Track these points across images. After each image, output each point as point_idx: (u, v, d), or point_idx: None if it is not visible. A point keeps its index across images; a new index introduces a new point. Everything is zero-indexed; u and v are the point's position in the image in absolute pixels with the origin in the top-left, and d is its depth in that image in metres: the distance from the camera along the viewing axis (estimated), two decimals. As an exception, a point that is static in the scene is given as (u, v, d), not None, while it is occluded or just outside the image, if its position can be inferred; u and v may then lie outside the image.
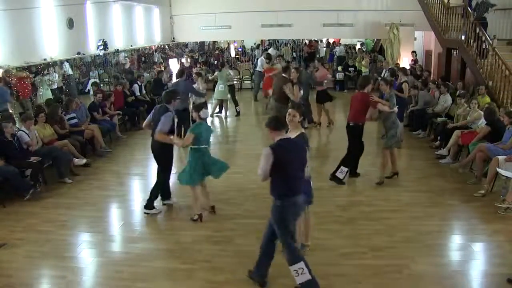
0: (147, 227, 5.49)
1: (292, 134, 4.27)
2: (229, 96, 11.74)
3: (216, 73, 11.57)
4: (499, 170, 5.81)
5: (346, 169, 6.49)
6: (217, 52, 21.08)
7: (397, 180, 6.81)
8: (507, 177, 5.71)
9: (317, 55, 19.41)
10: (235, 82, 16.57)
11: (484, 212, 5.60)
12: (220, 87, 11.34)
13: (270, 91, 11.19)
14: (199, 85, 9.84)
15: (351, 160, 6.64)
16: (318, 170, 7.44)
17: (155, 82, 12.28)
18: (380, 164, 6.71)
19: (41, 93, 9.65)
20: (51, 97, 9.58)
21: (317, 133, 10.03)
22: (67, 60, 11.10)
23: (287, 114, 4.35)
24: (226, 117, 11.73)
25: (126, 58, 13.83)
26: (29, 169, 6.42)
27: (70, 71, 11.12)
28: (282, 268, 4.38)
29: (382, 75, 11.23)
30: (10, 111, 8.17)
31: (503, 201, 5.55)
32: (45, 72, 9.90)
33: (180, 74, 9.34)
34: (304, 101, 9.92)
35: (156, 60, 16.53)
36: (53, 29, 10.28)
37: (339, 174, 6.52)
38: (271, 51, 17.68)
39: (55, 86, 10.19)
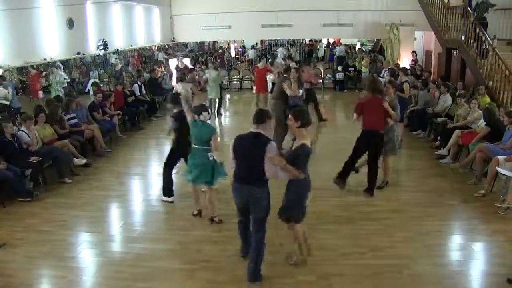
0: (147, 227, 5.48)
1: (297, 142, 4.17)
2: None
3: (218, 73, 11.60)
4: (498, 169, 5.81)
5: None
6: (220, 51, 21.11)
7: (397, 180, 6.80)
8: (507, 176, 5.71)
9: (313, 55, 19.45)
10: (235, 82, 16.75)
11: (484, 212, 5.60)
12: (218, 86, 11.47)
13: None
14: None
15: (376, 171, 6.19)
16: (318, 170, 7.44)
17: (150, 82, 12.32)
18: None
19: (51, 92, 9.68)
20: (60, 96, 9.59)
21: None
22: (63, 64, 10.93)
23: None
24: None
25: (117, 60, 13.31)
26: (29, 169, 6.42)
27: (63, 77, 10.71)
28: (281, 268, 4.40)
29: (381, 75, 11.22)
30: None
31: (503, 201, 5.54)
32: (53, 70, 9.89)
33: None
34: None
35: (161, 59, 16.52)
36: (53, 29, 10.29)
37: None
38: (280, 50, 17.78)
39: (65, 85, 10.22)
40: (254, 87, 12.50)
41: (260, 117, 3.99)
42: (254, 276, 4.09)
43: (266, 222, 4.14)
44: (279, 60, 13.92)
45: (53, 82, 9.77)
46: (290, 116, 4.18)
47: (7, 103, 8.25)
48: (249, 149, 3.97)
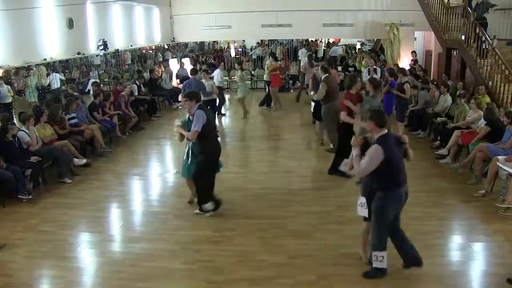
0: (147, 227, 5.48)
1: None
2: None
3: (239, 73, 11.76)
4: (499, 164, 5.77)
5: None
6: (234, 46, 21.22)
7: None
8: (507, 176, 5.71)
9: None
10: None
11: (484, 212, 5.60)
12: (245, 85, 11.62)
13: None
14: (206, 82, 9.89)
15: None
16: (320, 170, 7.45)
17: (150, 82, 12.35)
18: None
19: (28, 92, 9.61)
20: (37, 98, 9.57)
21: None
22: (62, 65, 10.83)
23: None
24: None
25: (55, 74, 10.36)
26: (29, 169, 6.41)
27: (57, 83, 10.50)
28: (281, 268, 4.41)
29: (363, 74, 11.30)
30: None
31: (503, 201, 5.54)
32: (32, 71, 9.80)
33: (193, 72, 9.42)
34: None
35: (167, 59, 16.53)
36: (53, 29, 10.29)
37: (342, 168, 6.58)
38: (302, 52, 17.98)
39: (56, 86, 10.16)
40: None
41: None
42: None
43: None
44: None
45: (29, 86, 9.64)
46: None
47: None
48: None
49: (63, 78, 10.41)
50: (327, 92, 7.78)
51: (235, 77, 11.51)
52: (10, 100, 8.59)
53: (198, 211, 5.63)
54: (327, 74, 7.99)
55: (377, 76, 10.97)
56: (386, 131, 3.95)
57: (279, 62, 13.98)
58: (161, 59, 16.99)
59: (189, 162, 5.62)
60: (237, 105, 12.01)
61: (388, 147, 3.86)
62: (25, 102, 9.43)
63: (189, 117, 5.56)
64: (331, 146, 8.17)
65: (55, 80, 10.53)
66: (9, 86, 8.65)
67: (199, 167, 5.43)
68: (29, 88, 9.58)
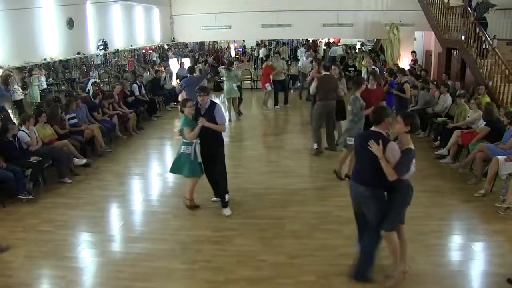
0: (147, 227, 5.48)
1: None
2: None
3: (223, 72, 11.49)
4: (500, 157, 5.83)
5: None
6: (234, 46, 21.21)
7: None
8: (507, 176, 5.71)
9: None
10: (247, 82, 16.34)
11: (484, 212, 5.60)
12: (233, 86, 11.03)
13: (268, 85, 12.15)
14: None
15: None
16: (319, 170, 7.45)
17: (152, 82, 12.33)
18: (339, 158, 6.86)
19: (29, 92, 9.65)
20: (39, 98, 9.60)
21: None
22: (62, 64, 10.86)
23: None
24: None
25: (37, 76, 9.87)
26: (29, 169, 6.41)
27: (44, 85, 10.65)
28: (281, 268, 4.41)
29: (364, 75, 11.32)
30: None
31: (503, 201, 5.55)
32: (33, 72, 9.81)
33: (191, 71, 9.46)
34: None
35: (167, 58, 16.53)
36: (53, 29, 10.30)
37: None
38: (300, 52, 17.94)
39: (44, 86, 10.21)
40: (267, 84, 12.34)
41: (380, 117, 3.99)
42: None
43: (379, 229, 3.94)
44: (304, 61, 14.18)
45: (33, 82, 9.64)
46: (400, 119, 3.98)
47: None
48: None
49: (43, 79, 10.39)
50: (318, 90, 7.98)
51: (223, 77, 11.22)
52: (21, 97, 8.71)
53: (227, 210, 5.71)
54: (326, 73, 8.13)
55: None
56: (376, 128, 4.00)
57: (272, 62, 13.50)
58: (154, 59, 16.93)
59: (199, 160, 5.53)
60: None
61: (355, 140, 4.31)
62: (27, 103, 9.45)
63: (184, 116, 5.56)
64: (315, 146, 8.14)
65: (41, 81, 10.53)
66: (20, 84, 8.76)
67: (222, 160, 5.63)
68: (30, 88, 9.62)
